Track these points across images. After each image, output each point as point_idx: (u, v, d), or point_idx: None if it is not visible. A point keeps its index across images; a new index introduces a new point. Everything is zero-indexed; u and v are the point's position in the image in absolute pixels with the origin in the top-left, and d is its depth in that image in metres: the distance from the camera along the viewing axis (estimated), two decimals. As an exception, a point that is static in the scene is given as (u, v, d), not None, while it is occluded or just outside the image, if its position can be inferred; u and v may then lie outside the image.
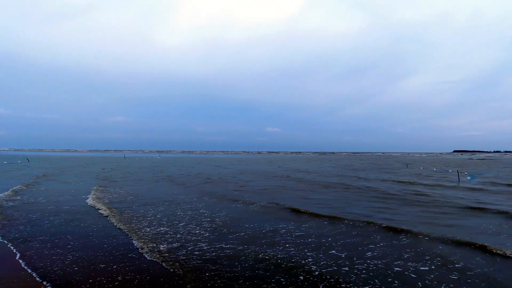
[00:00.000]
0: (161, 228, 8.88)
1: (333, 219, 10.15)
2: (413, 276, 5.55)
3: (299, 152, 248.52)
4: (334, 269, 5.90)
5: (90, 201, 13.40)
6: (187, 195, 15.64)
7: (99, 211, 11.34)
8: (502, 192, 16.97)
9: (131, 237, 8.04)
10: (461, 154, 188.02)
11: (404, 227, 8.95)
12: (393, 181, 23.61)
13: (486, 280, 5.35)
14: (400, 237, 8.12)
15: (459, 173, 26.18)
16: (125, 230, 8.66)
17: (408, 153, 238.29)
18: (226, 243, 7.52)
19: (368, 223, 9.50)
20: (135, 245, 7.36)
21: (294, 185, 21.14)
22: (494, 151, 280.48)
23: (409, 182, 22.73)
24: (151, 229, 8.79)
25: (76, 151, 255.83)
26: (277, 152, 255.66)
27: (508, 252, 6.62)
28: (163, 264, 6.16)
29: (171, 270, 5.85)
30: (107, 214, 10.69)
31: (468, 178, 24.29)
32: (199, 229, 8.82)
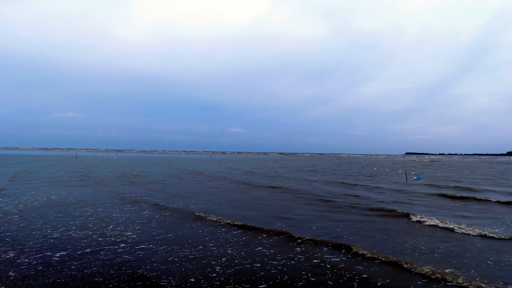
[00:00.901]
0: None
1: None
2: None
3: (265, 153, 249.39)
4: None
5: None
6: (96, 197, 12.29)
7: None
8: (427, 196, 16.13)
9: None
10: (416, 156, 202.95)
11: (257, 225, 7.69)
12: (334, 182, 22.30)
13: None
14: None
15: (407, 174, 27.85)
16: None
17: (366, 154, 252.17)
18: None
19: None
20: None
21: (218, 185, 18.60)
22: (439, 154, 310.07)
23: (350, 184, 21.58)
24: None
25: (17, 148, 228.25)
26: (241, 153, 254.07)
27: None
28: None
29: None
30: None
31: (415, 178, 25.52)
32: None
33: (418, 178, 25.16)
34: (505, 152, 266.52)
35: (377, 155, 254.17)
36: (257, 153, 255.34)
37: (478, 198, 14.70)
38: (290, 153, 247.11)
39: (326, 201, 13.83)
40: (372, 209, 11.89)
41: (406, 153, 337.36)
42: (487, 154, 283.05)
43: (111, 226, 8.83)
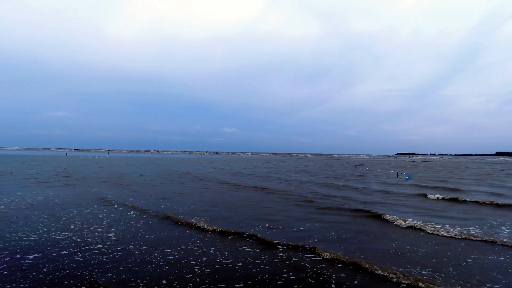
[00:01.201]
0: None
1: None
2: None
3: (259, 153, 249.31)
4: None
5: None
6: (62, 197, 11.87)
7: None
8: (409, 197, 16.29)
9: None
10: (408, 157, 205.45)
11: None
12: (324, 183, 22.32)
13: None
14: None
15: (398, 174, 28.10)
16: None
17: (358, 155, 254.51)
18: None
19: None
20: None
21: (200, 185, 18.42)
22: (430, 154, 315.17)
23: (339, 185, 21.58)
24: None
25: (4, 148, 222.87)
26: (235, 153, 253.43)
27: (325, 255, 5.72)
28: None
29: None
30: None
31: (406, 178, 25.71)
32: None
33: (409, 178, 25.40)
34: (494, 153, 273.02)
35: (370, 155, 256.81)
36: (251, 153, 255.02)
37: (461, 199, 14.81)
38: (284, 153, 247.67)
39: (310, 201, 13.64)
40: (353, 210, 11.74)
41: (398, 154, 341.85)
42: (476, 155, 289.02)
43: (86, 227, 8.36)
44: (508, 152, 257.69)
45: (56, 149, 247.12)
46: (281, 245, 7.26)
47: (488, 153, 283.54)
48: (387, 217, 10.35)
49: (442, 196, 15.37)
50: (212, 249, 6.97)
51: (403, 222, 9.62)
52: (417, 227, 9.15)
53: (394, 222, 9.81)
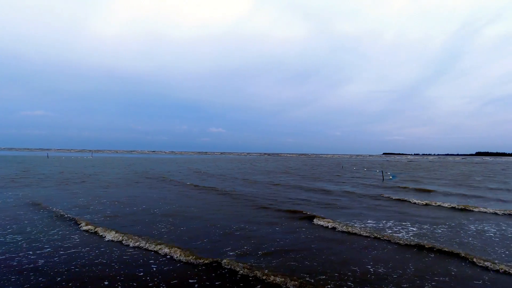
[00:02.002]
0: None
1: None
2: None
3: (248, 153, 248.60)
4: None
5: None
6: None
7: None
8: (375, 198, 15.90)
9: None
10: (394, 157, 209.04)
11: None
12: (297, 186, 21.72)
13: None
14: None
15: (383, 173, 28.80)
16: None
17: (345, 154, 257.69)
18: None
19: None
20: None
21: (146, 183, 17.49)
22: (415, 154, 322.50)
23: (306, 186, 21.00)
24: None
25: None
26: (223, 153, 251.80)
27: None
28: None
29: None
30: None
31: (390, 177, 26.16)
32: None
33: (394, 177, 25.88)
34: (474, 153, 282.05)
35: (357, 155, 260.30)
36: (238, 153, 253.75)
37: (408, 200, 14.56)
38: (271, 153, 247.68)
39: (264, 207, 12.56)
40: (287, 211, 11.27)
41: (384, 153, 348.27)
42: (458, 155, 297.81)
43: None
44: (487, 152, 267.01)
45: (37, 149, 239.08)
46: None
47: (468, 153, 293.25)
48: (315, 220, 9.81)
49: (403, 198, 14.94)
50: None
51: (327, 223, 9.22)
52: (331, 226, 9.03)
53: (319, 223, 9.37)
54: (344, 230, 8.67)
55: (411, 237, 7.94)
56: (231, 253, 6.56)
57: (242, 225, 9.14)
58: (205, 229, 8.66)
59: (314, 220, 9.83)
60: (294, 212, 11.26)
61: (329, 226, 9.10)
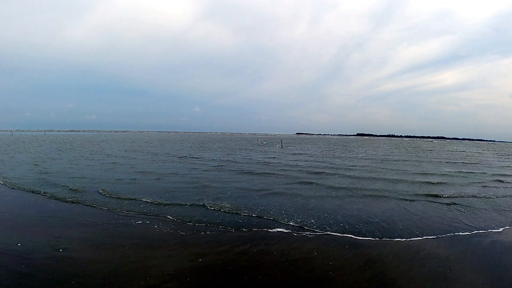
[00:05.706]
0: None
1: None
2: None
3: (186, 132, 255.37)
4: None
5: None
6: None
7: None
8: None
9: None
10: (304, 136, 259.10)
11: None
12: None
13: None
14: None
15: (282, 143, 43.46)
16: None
17: (270, 134, 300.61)
18: None
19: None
20: None
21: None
22: (318, 134, 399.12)
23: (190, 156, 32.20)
24: None
25: None
26: (161, 132, 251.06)
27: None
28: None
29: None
30: None
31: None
32: None
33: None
34: (355, 134, 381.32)
35: (276, 134, 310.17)
36: (168, 132, 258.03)
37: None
38: (203, 132, 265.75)
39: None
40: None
41: (297, 133, 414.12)
42: (346, 135, 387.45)
43: None
44: (364, 134, 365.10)
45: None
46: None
47: (350, 134, 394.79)
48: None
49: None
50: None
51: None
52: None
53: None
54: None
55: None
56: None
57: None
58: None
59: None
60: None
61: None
